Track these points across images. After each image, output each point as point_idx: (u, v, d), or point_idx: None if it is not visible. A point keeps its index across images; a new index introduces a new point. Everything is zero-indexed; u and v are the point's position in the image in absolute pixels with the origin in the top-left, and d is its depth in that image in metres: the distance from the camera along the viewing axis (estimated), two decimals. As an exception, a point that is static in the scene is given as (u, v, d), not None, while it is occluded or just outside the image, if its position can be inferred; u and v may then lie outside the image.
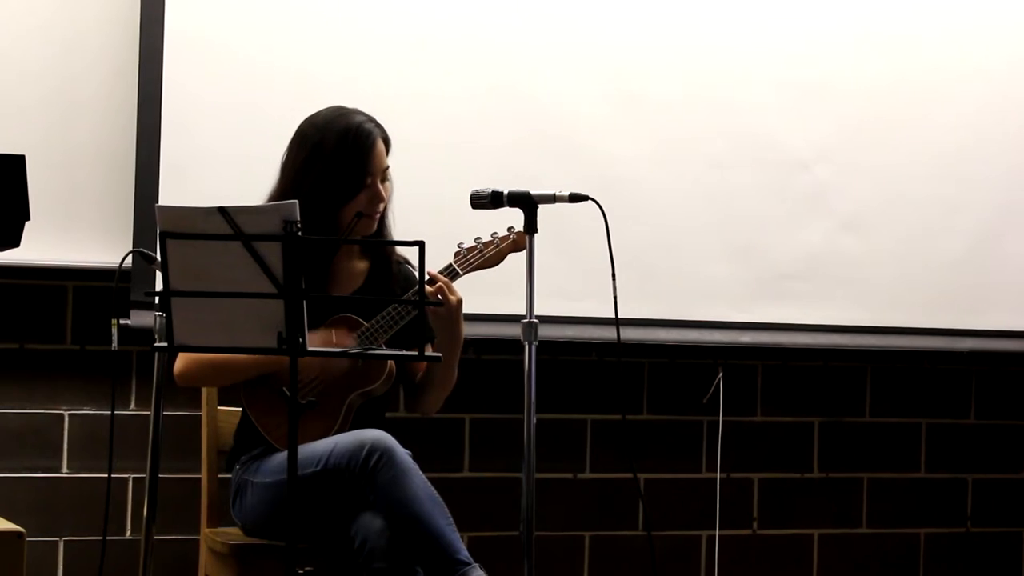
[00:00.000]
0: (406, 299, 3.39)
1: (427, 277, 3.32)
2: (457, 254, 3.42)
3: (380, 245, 3.55)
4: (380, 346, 3.35)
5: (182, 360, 3.39)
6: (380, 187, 3.45)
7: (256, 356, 3.30)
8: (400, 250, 3.60)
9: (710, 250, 4.48)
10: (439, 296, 3.33)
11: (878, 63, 4.62)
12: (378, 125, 3.47)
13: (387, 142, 3.48)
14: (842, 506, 4.76)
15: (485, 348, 4.33)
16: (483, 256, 3.42)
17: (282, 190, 3.41)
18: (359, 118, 3.45)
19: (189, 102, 4.04)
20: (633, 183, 4.40)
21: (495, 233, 3.43)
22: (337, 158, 3.40)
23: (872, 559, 4.78)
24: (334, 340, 3.35)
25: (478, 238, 3.43)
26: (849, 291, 4.59)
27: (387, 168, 3.48)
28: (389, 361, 3.42)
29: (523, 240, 3.32)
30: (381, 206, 3.46)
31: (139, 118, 4.01)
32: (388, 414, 3.57)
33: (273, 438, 3.38)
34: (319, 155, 3.40)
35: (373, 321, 3.37)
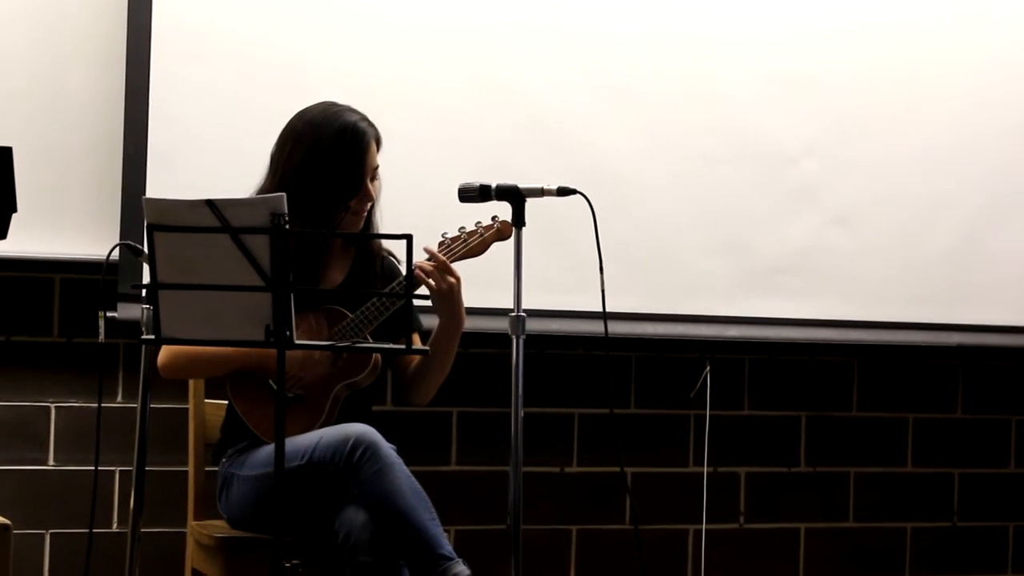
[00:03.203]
0: (394, 292, 3.39)
1: (426, 257, 3.33)
2: (441, 243, 3.41)
3: (369, 239, 3.55)
4: (366, 338, 3.35)
5: (165, 352, 3.38)
6: (370, 186, 3.45)
7: (240, 349, 3.29)
8: (387, 243, 3.60)
9: (698, 244, 4.48)
10: (431, 279, 3.32)
11: (868, 58, 4.62)
12: (371, 124, 3.47)
13: (379, 141, 3.48)
14: (829, 500, 4.77)
15: (472, 341, 4.32)
16: (467, 246, 3.41)
17: (274, 187, 3.40)
18: (354, 116, 3.44)
19: (177, 92, 4.03)
20: (621, 177, 4.40)
21: (479, 222, 3.42)
22: (335, 159, 3.39)
23: (859, 553, 4.79)
24: (314, 326, 3.34)
25: (462, 227, 3.42)
26: (837, 286, 4.60)
27: (377, 167, 3.48)
28: (375, 353, 3.42)
29: (507, 229, 3.32)
30: (369, 204, 3.46)
31: (126, 108, 4.00)
32: (375, 407, 3.57)
33: (260, 431, 3.38)
34: (317, 155, 3.39)
35: (357, 313, 3.36)
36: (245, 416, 3.40)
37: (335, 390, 3.39)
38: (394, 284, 3.41)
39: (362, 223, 3.47)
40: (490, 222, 3.41)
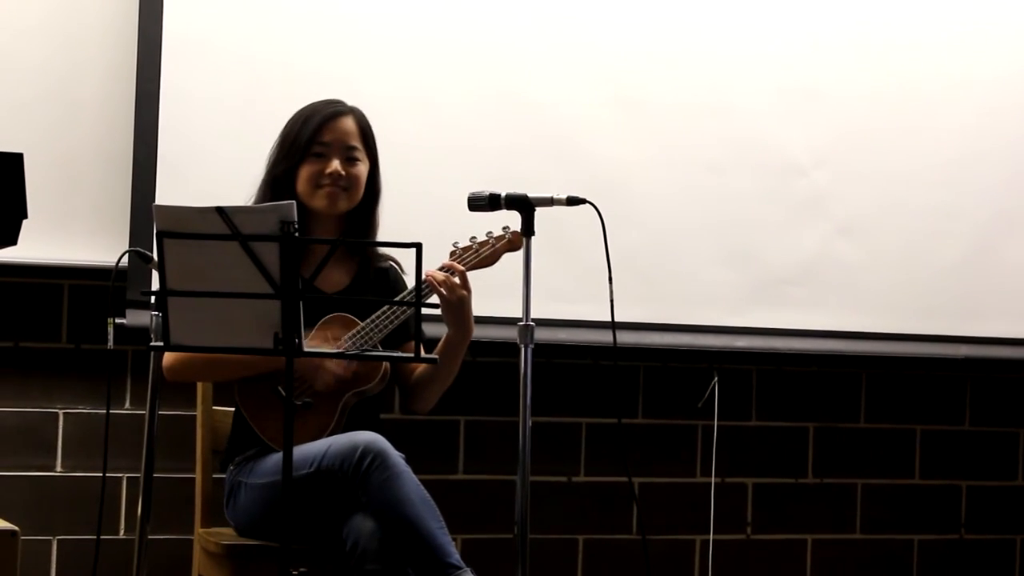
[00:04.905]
0: (404, 300, 3.39)
1: (443, 266, 3.34)
2: (453, 254, 3.42)
3: (378, 246, 3.55)
4: (376, 347, 3.35)
5: (171, 355, 3.37)
6: (337, 162, 3.44)
7: (247, 356, 3.28)
8: (395, 252, 3.60)
9: (706, 254, 4.48)
10: (442, 289, 3.32)
11: (876, 69, 4.62)
12: (339, 104, 3.49)
13: (361, 123, 3.49)
14: (836, 511, 4.77)
15: (481, 350, 4.33)
16: (478, 256, 3.42)
17: (260, 188, 3.49)
18: (328, 102, 3.48)
19: (187, 101, 4.04)
20: (630, 187, 4.40)
21: (490, 232, 3.42)
22: (287, 129, 3.48)
23: (866, 565, 4.79)
24: (331, 342, 3.35)
25: (473, 237, 3.42)
26: (845, 297, 4.59)
27: (353, 148, 3.46)
28: (385, 362, 3.42)
29: (519, 240, 3.32)
30: (342, 181, 3.44)
31: (136, 117, 4.01)
32: (382, 415, 3.57)
33: (267, 437, 3.38)
34: (280, 136, 3.49)
35: (368, 322, 3.36)
36: (253, 421, 3.40)
37: (344, 398, 3.39)
38: (406, 293, 3.41)
39: (338, 203, 3.44)
40: (501, 232, 3.41)
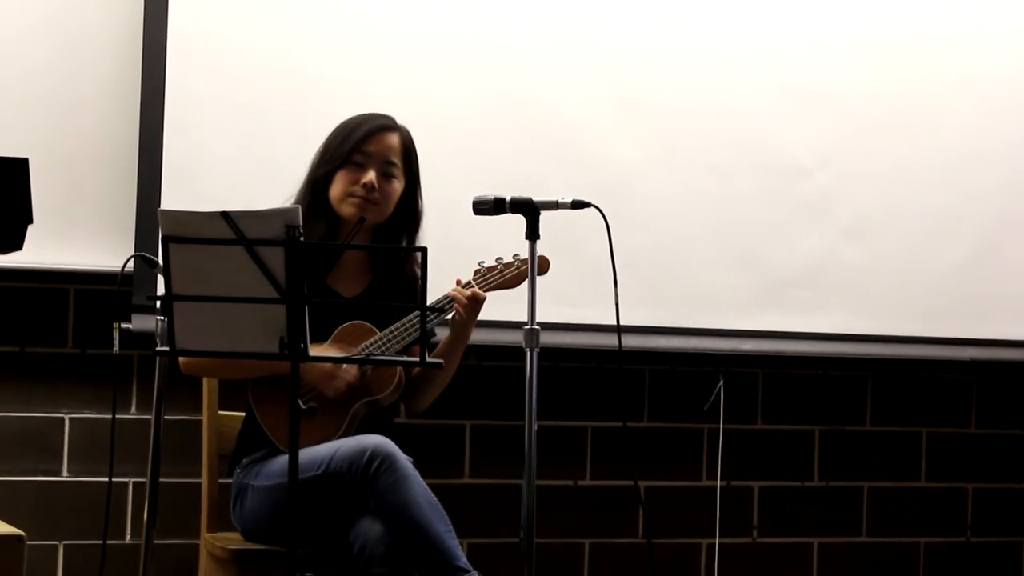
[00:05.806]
0: (407, 304, 3.39)
1: (466, 286, 3.38)
2: (477, 272, 3.43)
3: (384, 251, 3.55)
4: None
5: None
6: (373, 174, 3.44)
7: (255, 358, 3.29)
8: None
9: (711, 257, 4.48)
10: (461, 309, 3.34)
11: (880, 70, 4.62)
12: (399, 125, 3.49)
13: (406, 141, 3.49)
14: (842, 515, 4.76)
15: (486, 354, 4.33)
16: (503, 277, 3.43)
17: (299, 192, 3.49)
18: (378, 115, 3.49)
19: (192, 103, 4.04)
20: (635, 189, 4.40)
21: (516, 255, 3.43)
22: (333, 134, 3.48)
23: (872, 568, 4.78)
24: (346, 350, 3.36)
25: (499, 258, 3.43)
26: (850, 299, 4.59)
27: (391, 163, 3.46)
28: (399, 371, 3.41)
29: (545, 265, 3.32)
30: (375, 194, 3.43)
31: (141, 119, 4.01)
32: (388, 419, 3.58)
33: (277, 438, 3.38)
34: (326, 140, 3.49)
35: (385, 332, 3.36)
36: (264, 422, 3.40)
37: (355, 407, 3.39)
38: (435, 304, 3.40)
39: (365, 214, 3.42)
40: (526, 256, 3.40)
